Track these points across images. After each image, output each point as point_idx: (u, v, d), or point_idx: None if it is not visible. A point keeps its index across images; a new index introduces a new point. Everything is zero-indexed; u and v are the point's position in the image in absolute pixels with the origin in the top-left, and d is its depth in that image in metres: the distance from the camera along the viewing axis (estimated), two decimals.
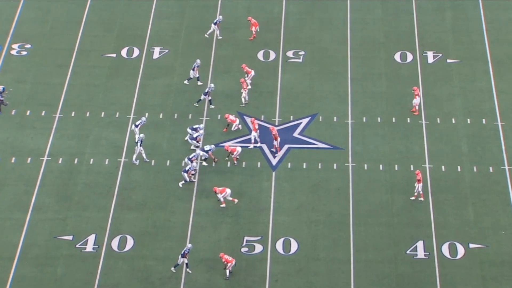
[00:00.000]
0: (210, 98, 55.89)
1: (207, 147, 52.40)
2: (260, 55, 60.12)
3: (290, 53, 60.08)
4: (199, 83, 57.44)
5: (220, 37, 60.49)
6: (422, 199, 50.53)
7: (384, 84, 57.86)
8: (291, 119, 55.74)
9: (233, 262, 46.62)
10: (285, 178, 52.25)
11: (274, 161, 53.17)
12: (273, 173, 52.58)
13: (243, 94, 55.89)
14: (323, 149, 53.91)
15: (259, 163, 53.05)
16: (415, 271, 47.33)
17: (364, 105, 56.53)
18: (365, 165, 52.90)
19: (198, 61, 57.29)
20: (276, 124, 55.35)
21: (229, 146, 52.70)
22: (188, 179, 51.29)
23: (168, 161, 53.05)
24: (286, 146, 54.12)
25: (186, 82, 57.54)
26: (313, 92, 57.52)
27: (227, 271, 46.62)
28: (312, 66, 58.94)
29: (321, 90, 57.66)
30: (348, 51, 60.22)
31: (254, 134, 53.92)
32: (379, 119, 55.72)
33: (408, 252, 48.27)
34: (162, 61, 59.54)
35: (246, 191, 51.48)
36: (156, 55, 59.95)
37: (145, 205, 50.72)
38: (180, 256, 46.88)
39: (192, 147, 53.41)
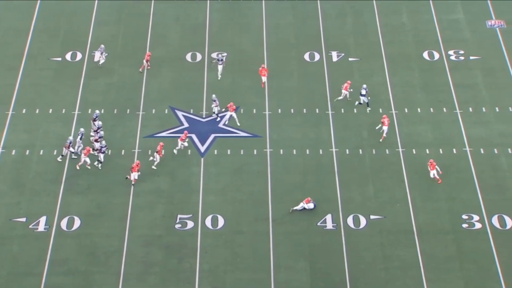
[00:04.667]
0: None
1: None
2: (188, 57, 60.08)
3: (214, 55, 60.14)
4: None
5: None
6: (439, 182, 50.07)
7: (296, 80, 58.09)
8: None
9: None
10: (212, 163, 52.32)
11: (202, 149, 53.22)
12: (202, 159, 52.67)
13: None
14: (244, 137, 54.05)
15: (189, 151, 53.13)
16: (325, 240, 47.75)
17: (279, 99, 56.72)
18: (281, 151, 53.17)
19: (221, 55, 56.98)
20: (204, 116, 55.41)
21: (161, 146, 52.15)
22: (102, 159, 51.13)
23: (110, 151, 52.87)
24: (212, 135, 54.15)
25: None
26: (235, 88, 57.54)
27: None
28: (234, 65, 59.01)
29: (242, 86, 57.68)
30: (264, 52, 60.41)
31: (232, 114, 53.63)
32: (292, 110, 56.01)
33: (318, 224, 48.67)
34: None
35: (178, 175, 51.47)
36: (96, 58, 59.42)
37: (90, 189, 50.47)
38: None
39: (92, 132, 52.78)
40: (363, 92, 55.38)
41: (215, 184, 50.95)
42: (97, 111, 53.93)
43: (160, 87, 57.36)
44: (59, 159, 51.86)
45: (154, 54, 59.43)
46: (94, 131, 52.67)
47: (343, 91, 55.84)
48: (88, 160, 51.07)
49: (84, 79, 57.82)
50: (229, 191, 50.57)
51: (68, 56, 59.59)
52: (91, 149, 51.50)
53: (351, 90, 55.83)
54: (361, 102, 55.36)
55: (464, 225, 48.52)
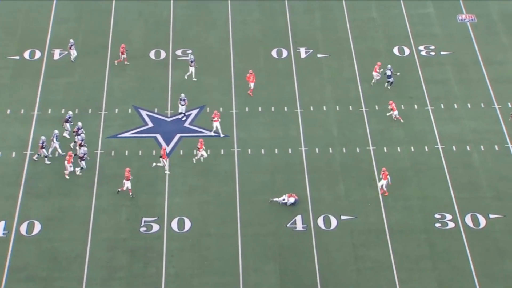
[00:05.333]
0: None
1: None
2: (152, 54, 59.18)
3: (179, 52, 59.33)
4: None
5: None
6: (386, 195, 49.36)
7: (263, 77, 57.68)
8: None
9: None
10: (178, 164, 51.62)
11: (167, 149, 52.41)
12: (167, 160, 51.82)
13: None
14: (211, 137, 53.44)
15: (154, 151, 52.21)
16: (295, 242, 47.38)
17: (246, 97, 56.26)
18: (249, 150, 52.67)
19: (192, 56, 56.15)
20: (169, 115, 54.58)
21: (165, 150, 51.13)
22: (84, 166, 50.04)
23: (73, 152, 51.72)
24: (178, 135, 53.45)
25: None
26: (201, 86, 56.96)
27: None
28: (199, 63, 58.32)
29: (207, 84, 57.15)
30: (230, 49, 59.84)
31: (216, 124, 52.67)
32: (260, 108, 55.55)
33: (288, 225, 48.27)
34: (62, 61, 58.02)
35: (143, 176, 50.63)
36: (56, 56, 58.40)
37: (51, 192, 49.36)
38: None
39: (65, 134, 51.82)
40: (388, 72, 55.14)
41: (181, 185, 50.24)
42: (70, 112, 52.94)
43: (123, 85, 56.54)
44: (35, 157, 50.90)
45: (116, 53, 58.39)
46: (74, 132, 51.30)
47: (373, 73, 55.69)
48: (72, 167, 49.63)
49: (43, 78, 56.76)
50: (196, 192, 49.92)
51: (26, 55, 58.49)
52: (72, 154, 50.06)
53: (381, 70, 55.73)
54: (390, 81, 55.51)
55: (437, 225, 48.16)
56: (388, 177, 49.37)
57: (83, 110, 54.59)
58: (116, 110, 54.76)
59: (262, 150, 52.63)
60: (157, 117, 54.48)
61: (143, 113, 54.71)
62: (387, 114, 54.16)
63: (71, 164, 49.87)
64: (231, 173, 51.07)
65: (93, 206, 48.78)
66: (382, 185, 49.54)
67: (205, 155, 51.22)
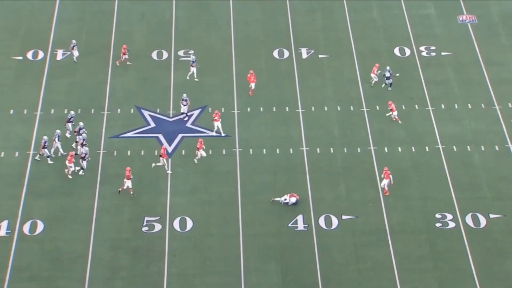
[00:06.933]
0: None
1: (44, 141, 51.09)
2: (154, 55, 59.42)
3: (181, 52, 59.56)
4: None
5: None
6: (387, 194, 49.50)
7: (265, 77, 57.83)
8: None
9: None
10: (180, 164, 51.79)
11: (169, 149, 52.67)
12: (169, 160, 52.10)
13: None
14: (213, 137, 53.64)
15: (155, 151, 52.47)
16: (296, 241, 47.46)
17: (247, 97, 56.44)
18: (251, 150, 52.82)
19: (194, 57, 56.33)
20: (171, 116, 54.84)
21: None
22: (85, 166, 50.26)
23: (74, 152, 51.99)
24: (180, 135, 53.67)
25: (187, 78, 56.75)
26: (203, 87, 57.14)
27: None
28: (201, 63, 58.55)
29: (209, 84, 57.31)
30: (232, 49, 60.03)
31: (217, 124, 52.90)
32: (261, 109, 55.70)
33: (289, 225, 48.38)
34: (65, 62, 58.27)
35: (145, 176, 50.86)
36: (59, 56, 58.65)
37: (54, 192, 49.62)
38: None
39: (66, 134, 52.09)
40: (387, 74, 55.26)
41: (183, 185, 50.39)
42: (72, 112, 53.12)
43: (126, 86, 56.70)
44: (37, 157, 51.10)
45: (118, 53, 58.65)
46: (76, 132, 51.53)
47: (372, 74, 55.79)
48: (73, 167, 49.93)
49: (46, 79, 56.94)
50: (198, 192, 50.06)
51: (29, 55, 58.71)
52: (74, 154, 50.37)
53: (379, 72, 55.86)
54: (389, 83, 55.60)
55: (438, 224, 48.33)
56: (390, 176, 49.61)
57: (85, 110, 54.82)
58: (119, 110, 55.00)
59: (264, 150, 52.79)
60: (159, 117, 54.73)
61: (145, 113, 54.97)
62: (387, 114, 54.41)
63: (72, 164, 50.13)
64: (232, 173, 51.24)
65: (95, 206, 48.99)
66: (384, 185, 49.78)
67: (204, 155, 51.47)
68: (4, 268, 45.47)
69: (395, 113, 54.04)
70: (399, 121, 53.97)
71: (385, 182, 49.68)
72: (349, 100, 56.13)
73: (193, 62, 56.90)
